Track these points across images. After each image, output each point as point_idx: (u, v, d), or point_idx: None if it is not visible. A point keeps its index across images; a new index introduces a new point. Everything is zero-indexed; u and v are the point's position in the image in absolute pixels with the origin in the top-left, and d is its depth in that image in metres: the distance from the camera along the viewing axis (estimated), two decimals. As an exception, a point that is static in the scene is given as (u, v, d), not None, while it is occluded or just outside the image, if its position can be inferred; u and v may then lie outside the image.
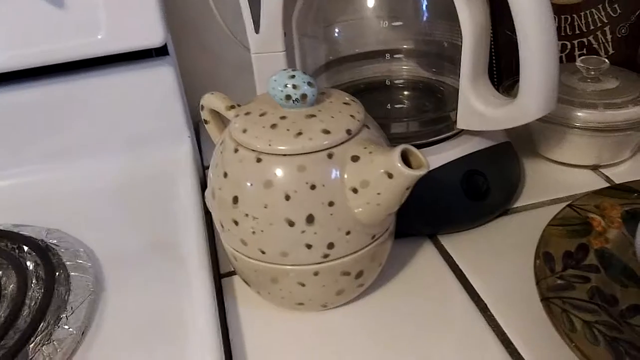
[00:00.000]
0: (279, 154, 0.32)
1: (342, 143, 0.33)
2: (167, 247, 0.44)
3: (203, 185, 0.51)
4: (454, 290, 0.39)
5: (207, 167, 0.56)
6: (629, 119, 0.48)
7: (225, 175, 0.34)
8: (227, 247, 0.37)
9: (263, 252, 0.34)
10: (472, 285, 0.40)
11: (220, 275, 0.43)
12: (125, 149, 0.54)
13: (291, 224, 0.32)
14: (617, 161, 0.51)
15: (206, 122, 0.41)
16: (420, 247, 0.43)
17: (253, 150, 0.33)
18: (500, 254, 0.42)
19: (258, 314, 0.39)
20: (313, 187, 0.32)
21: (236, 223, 0.34)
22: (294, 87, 0.33)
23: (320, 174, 0.32)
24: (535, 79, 0.39)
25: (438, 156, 0.44)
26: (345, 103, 0.35)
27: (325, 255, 0.33)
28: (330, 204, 0.32)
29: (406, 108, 0.50)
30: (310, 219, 0.32)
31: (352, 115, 0.34)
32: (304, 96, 0.33)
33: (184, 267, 0.41)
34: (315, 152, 0.32)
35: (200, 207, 0.47)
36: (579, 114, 0.48)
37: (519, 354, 0.34)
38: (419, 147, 0.39)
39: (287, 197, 0.32)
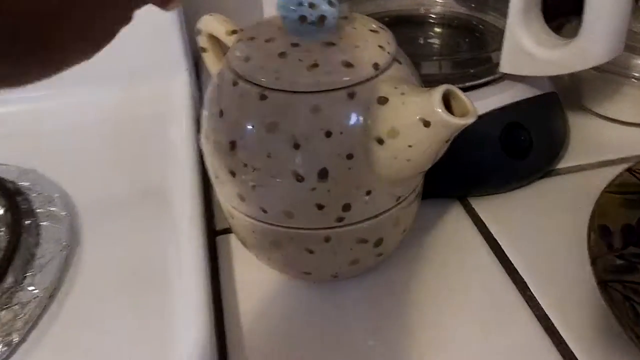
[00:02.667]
0: (288, 91, 0.26)
1: (367, 80, 0.26)
2: (156, 195, 0.39)
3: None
4: (486, 262, 0.34)
5: (207, 107, 0.50)
6: (701, 71, 0.41)
7: (221, 114, 0.28)
8: (223, 202, 0.31)
9: (264, 211, 0.28)
10: (508, 258, 0.34)
11: (216, 232, 0.37)
12: (114, 82, 0.48)
13: (299, 178, 0.26)
14: (679, 120, 0.44)
15: (203, 50, 0.34)
16: (448, 211, 0.38)
17: (256, 84, 0.26)
18: (541, 223, 0.36)
19: (256, 277, 0.34)
20: (329, 134, 0.25)
21: (233, 174, 0.28)
22: (311, 5, 0.26)
23: (338, 118, 0.26)
24: (605, 15, 0.32)
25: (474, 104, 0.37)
26: (372, 30, 0.28)
27: (340, 219, 0.27)
28: (349, 156, 0.26)
29: (438, 46, 0.43)
30: (323, 174, 0.26)
31: (380, 46, 0.27)
32: (322, 18, 0.26)
33: (173, 219, 0.36)
34: (333, 90, 0.25)
35: (196, 152, 0.41)
36: (640, 62, 0.41)
37: (566, 344, 0.29)
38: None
39: (296, 146, 0.26)
